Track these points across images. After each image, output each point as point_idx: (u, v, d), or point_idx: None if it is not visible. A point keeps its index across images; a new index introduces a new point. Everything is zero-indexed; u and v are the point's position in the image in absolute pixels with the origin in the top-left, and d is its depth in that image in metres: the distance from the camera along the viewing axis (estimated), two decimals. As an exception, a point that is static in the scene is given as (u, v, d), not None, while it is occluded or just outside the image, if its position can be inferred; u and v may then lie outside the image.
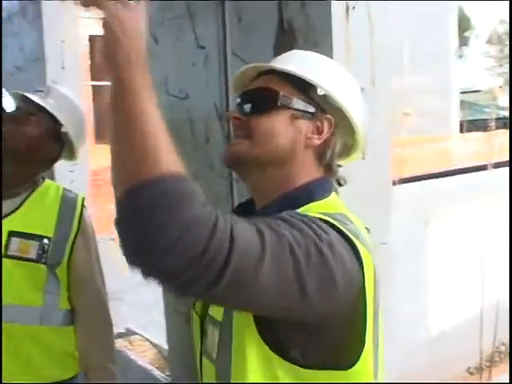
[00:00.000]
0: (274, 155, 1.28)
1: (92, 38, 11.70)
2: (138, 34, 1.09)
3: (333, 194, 1.31)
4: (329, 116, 1.30)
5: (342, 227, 1.13)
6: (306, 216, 1.13)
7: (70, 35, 3.84)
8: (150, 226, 0.94)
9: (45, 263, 2.11)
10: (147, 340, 4.44)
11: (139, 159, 0.98)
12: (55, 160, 2.25)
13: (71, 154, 2.28)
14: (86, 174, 4.29)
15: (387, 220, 1.91)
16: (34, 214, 2.15)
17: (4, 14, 4.61)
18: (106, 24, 1.07)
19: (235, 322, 1.18)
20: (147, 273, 0.98)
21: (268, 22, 1.97)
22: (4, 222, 2.10)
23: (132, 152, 0.99)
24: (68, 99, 2.24)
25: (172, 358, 2.89)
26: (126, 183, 0.98)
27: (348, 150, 1.39)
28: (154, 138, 1.00)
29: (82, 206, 2.23)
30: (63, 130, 2.17)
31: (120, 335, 4.38)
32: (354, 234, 1.15)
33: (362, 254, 1.13)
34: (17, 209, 2.14)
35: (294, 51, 1.51)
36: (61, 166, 2.46)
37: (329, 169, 1.33)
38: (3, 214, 2.12)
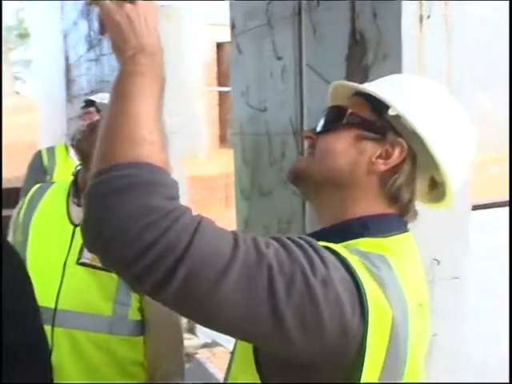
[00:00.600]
0: (330, 175, 1.17)
1: (219, 45, 11.90)
2: (145, 22, 1.07)
3: (402, 235, 1.16)
4: (400, 140, 1.15)
5: (358, 269, 0.99)
6: (311, 244, 1.00)
7: (194, 41, 3.89)
8: (103, 207, 0.91)
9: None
10: (230, 353, 4.40)
11: (118, 143, 0.96)
12: None
13: None
14: (184, 180, 4.36)
15: (462, 251, 1.74)
16: None
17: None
18: (106, 13, 1.07)
19: (238, 346, 1.13)
20: (100, 257, 0.94)
21: (341, 33, 1.87)
22: (79, 229, 2.12)
23: (114, 133, 0.97)
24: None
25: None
26: (99, 163, 0.96)
27: (438, 191, 1.23)
28: (139, 125, 0.97)
29: None
30: None
31: (205, 345, 4.38)
32: (378, 281, 1.00)
33: (369, 305, 0.97)
34: None
35: (395, 74, 1.42)
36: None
37: (395, 202, 1.17)
38: (79, 221, 2.13)
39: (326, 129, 1.22)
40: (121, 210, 0.89)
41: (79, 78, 6.66)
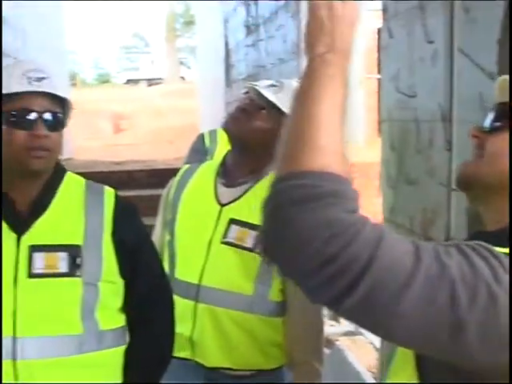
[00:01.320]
0: (503, 178, 1.08)
1: (379, 31, 11.68)
2: (347, 23, 1.03)
3: None
4: None
5: None
6: (491, 252, 0.94)
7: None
8: (285, 217, 0.90)
9: (260, 253, 2.12)
10: (371, 343, 4.33)
11: (298, 149, 0.94)
12: None
13: None
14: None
15: None
16: (254, 204, 2.16)
17: (272, 8, 4.83)
18: (312, 7, 1.03)
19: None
20: (278, 266, 0.94)
21: (494, 16, 1.77)
22: (225, 209, 2.17)
23: (297, 138, 0.95)
24: None
25: (383, 361, 2.80)
26: (281, 168, 0.96)
27: None
28: (320, 131, 0.94)
29: None
30: None
31: (347, 333, 4.35)
32: None
33: None
34: (239, 198, 2.18)
35: None
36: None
37: None
38: (226, 201, 2.18)
39: (496, 128, 1.13)
40: (302, 222, 0.88)
41: (238, 63, 6.82)
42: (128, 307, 1.85)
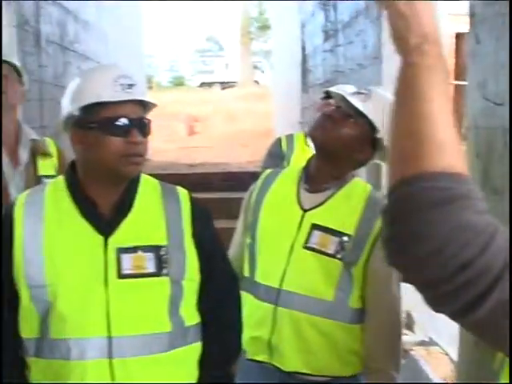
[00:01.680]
0: None
1: (459, 35, 11.43)
2: (427, 10, 0.98)
3: None
4: None
5: None
6: None
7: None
8: (417, 222, 0.85)
9: (341, 260, 2.12)
10: (446, 354, 4.23)
11: (419, 148, 0.89)
12: (367, 161, 2.24)
13: (385, 158, 2.25)
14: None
15: None
16: (338, 210, 2.18)
17: (352, 13, 4.81)
18: (390, 6, 0.98)
19: None
20: (402, 274, 0.90)
21: None
22: (307, 214, 2.18)
23: (412, 137, 0.91)
24: (387, 105, 2.18)
25: (460, 372, 2.74)
26: (402, 171, 0.90)
27: None
28: (436, 128, 0.90)
29: None
30: (379, 135, 2.13)
31: (422, 343, 4.27)
32: None
33: None
34: (322, 203, 2.19)
35: None
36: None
37: None
38: (309, 206, 2.19)
39: None
40: (437, 226, 0.84)
41: (315, 68, 6.82)
42: (202, 305, 1.89)
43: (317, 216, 2.16)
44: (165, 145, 16.74)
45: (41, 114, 5.68)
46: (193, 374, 1.86)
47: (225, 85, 35.28)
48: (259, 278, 2.22)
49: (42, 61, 5.86)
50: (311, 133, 2.23)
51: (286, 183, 2.28)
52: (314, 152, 2.26)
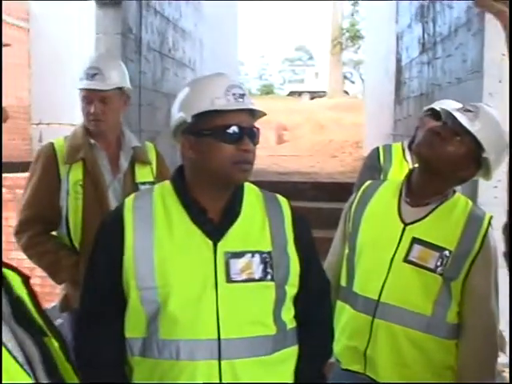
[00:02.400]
0: None
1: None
2: None
3: None
4: None
5: None
6: None
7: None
8: None
9: (441, 275, 2.13)
10: None
11: None
12: (470, 178, 2.23)
13: (488, 176, 2.23)
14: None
15: None
16: (439, 225, 2.18)
17: (451, 26, 4.74)
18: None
19: None
20: None
21: None
22: (408, 228, 2.19)
23: None
24: (495, 124, 2.16)
25: None
26: None
27: None
28: None
29: (489, 224, 2.18)
30: (484, 155, 2.12)
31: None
32: None
33: None
34: (423, 218, 2.20)
35: None
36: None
37: None
38: (410, 220, 2.21)
39: None
40: None
41: (410, 81, 6.77)
42: (298, 309, 1.92)
43: (418, 230, 2.17)
44: (257, 152, 16.91)
45: (139, 118, 5.89)
46: (292, 375, 1.90)
47: (314, 94, 35.37)
48: (357, 288, 2.25)
49: (142, 67, 6.09)
50: (417, 149, 2.24)
51: (386, 196, 2.30)
52: (417, 166, 2.27)
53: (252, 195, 1.92)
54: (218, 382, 1.74)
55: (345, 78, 34.18)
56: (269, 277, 1.80)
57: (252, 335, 1.79)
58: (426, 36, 5.87)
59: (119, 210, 1.87)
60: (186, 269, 1.78)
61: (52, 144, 2.93)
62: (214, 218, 1.83)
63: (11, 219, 3.18)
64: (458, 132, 2.12)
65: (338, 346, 2.25)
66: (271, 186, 7.01)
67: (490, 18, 3.85)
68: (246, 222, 1.86)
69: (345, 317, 2.28)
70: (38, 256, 2.93)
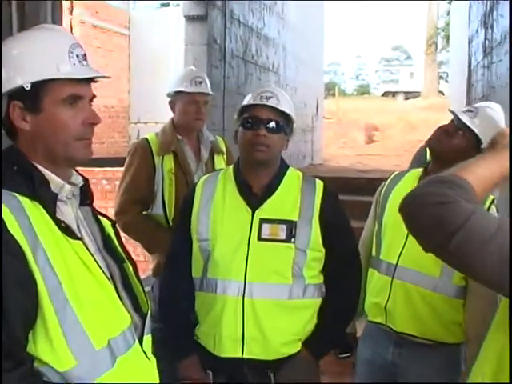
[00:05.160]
0: None
1: None
2: None
3: None
4: None
5: None
6: None
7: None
8: (427, 193, 1.42)
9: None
10: None
11: (465, 167, 1.54)
12: None
13: None
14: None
15: None
16: None
17: (503, 32, 5.11)
18: None
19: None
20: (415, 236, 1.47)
21: None
22: None
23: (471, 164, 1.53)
24: (493, 121, 2.57)
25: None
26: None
27: None
28: None
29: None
30: (483, 146, 2.48)
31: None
32: None
33: None
34: None
35: None
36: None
37: None
38: None
39: None
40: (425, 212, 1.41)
41: (476, 83, 7.11)
42: (327, 270, 2.47)
43: None
44: (341, 151, 17.24)
45: (223, 119, 6.52)
46: (309, 321, 2.45)
47: (408, 95, 34.90)
48: (382, 256, 2.69)
49: (226, 73, 6.75)
50: (429, 143, 2.68)
51: (408, 183, 2.71)
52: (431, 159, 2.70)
53: (293, 176, 2.51)
54: (240, 313, 2.34)
55: (440, 77, 33.65)
56: (292, 240, 2.37)
57: (271, 282, 2.37)
58: (487, 41, 6.23)
59: (194, 186, 2.59)
60: (229, 228, 2.41)
61: (146, 139, 3.49)
62: (257, 193, 2.43)
63: (111, 208, 3.71)
64: (461, 128, 2.54)
65: (366, 303, 2.75)
66: (347, 182, 7.46)
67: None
68: (282, 196, 2.44)
69: (373, 280, 2.73)
70: (138, 232, 3.46)
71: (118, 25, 14.15)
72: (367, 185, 7.97)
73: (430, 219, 1.38)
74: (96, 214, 1.72)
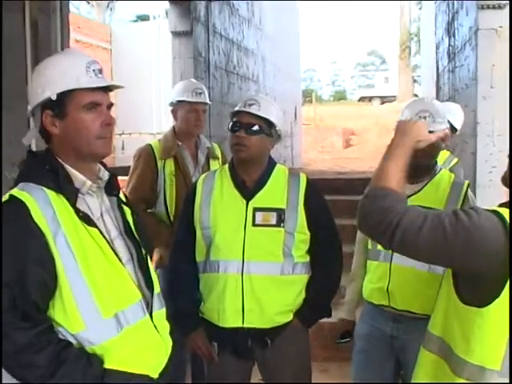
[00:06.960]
0: None
1: None
2: None
3: None
4: None
5: None
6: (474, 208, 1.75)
7: (501, 61, 4.62)
8: (369, 211, 1.82)
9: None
10: None
11: (380, 175, 1.87)
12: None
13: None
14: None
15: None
16: (431, 196, 2.83)
17: (463, 41, 5.61)
18: None
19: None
20: (366, 233, 1.90)
21: None
22: (409, 199, 2.59)
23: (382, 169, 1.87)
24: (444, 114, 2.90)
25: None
26: (372, 185, 1.88)
27: None
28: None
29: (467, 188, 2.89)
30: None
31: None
32: None
33: None
34: (419, 191, 2.86)
35: None
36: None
37: None
38: (410, 193, 2.78)
39: None
40: (372, 211, 1.82)
41: (443, 86, 7.61)
42: (312, 250, 2.86)
43: (417, 200, 2.74)
44: (320, 155, 17.66)
45: (209, 126, 6.91)
46: (299, 295, 2.84)
47: (384, 99, 35.01)
48: (379, 247, 2.88)
49: (210, 83, 7.19)
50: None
51: None
52: None
53: (280, 171, 2.89)
54: (240, 289, 2.70)
55: (415, 81, 34.08)
56: (281, 225, 2.77)
57: (265, 260, 2.75)
58: (450, 48, 6.74)
59: (195, 183, 2.97)
60: (227, 217, 2.80)
61: (150, 145, 3.89)
62: (249, 186, 2.82)
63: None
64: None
65: (367, 290, 3.02)
66: (327, 183, 7.83)
67: (483, 34, 4.75)
68: (271, 188, 2.83)
69: (371, 269, 2.99)
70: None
71: (99, 39, 14.42)
72: (346, 185, 8.41)
73: (376, 227, 1.80)
74: (120, 203, 2.07)
